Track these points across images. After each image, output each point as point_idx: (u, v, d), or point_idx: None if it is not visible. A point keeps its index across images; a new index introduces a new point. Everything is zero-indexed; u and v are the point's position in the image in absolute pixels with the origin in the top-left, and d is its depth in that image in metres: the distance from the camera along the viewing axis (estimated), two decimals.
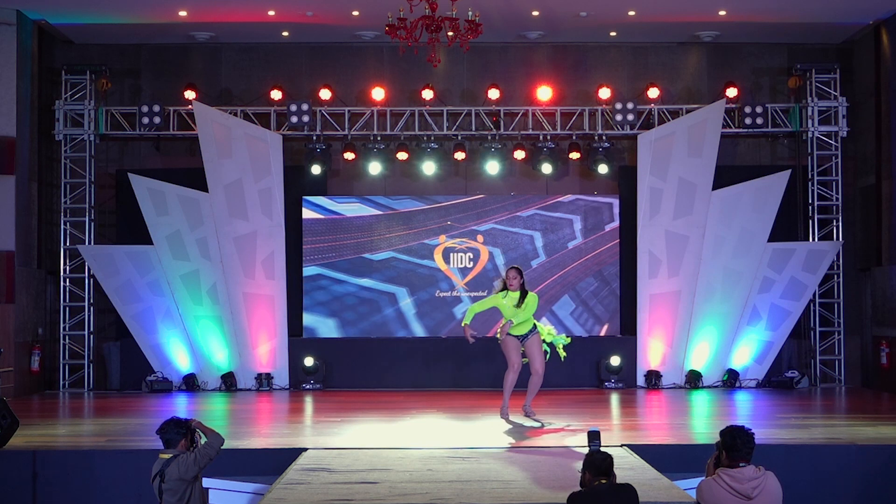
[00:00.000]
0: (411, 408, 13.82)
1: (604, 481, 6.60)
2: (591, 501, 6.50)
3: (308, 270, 16.85)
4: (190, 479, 7.43)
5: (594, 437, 7.45)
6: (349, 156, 16.91)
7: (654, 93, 17.00)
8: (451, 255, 17.03)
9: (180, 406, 14.46)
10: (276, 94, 16.86)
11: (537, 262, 16.94)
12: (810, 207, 17.03)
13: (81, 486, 9.79)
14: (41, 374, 16.40)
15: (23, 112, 15.96)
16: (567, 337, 12.74)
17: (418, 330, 16.89)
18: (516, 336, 12.04)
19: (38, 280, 16.57)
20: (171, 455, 7.48)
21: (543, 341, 12.21)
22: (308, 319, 16.85)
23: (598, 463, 6.68)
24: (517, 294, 11.98)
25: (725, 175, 16.71)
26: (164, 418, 7.84)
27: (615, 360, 16.48)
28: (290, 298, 16.68)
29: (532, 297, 12.05)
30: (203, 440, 7.71)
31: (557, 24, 16.50)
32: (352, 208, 17.04)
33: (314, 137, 16.91)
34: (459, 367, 16.65)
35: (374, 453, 9.73)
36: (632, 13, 15.94)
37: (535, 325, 12.13)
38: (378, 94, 16.93)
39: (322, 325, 16.86)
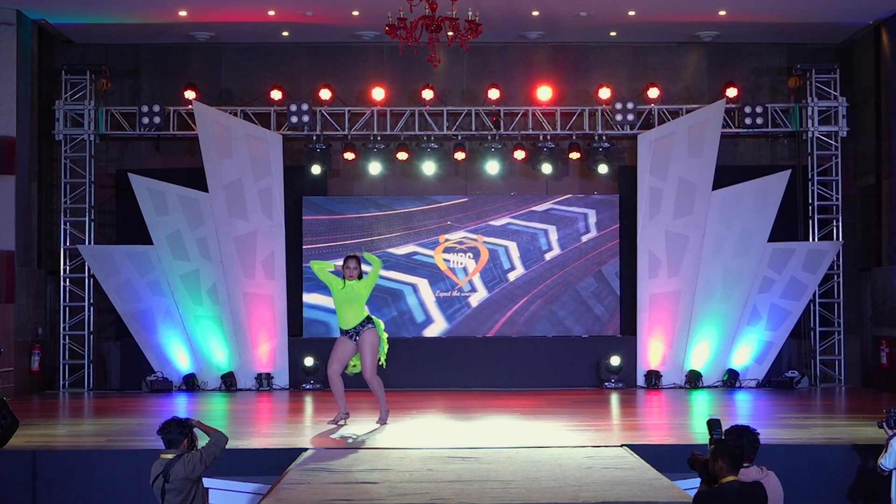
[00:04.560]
0: (411, 408, 13.82)
1: (733, 478, 6.35)
2: (722, 501, 6.23)
3: None
4: (195, 478, 7.43)
5: (716, 425, 7.01)
6: (349, 156, 16.91)
7: (654, 93, 17.00)
8: (451, 254, 17.03)
9: (180, 406, 14.45)
10: (276, 94, 16.86)
11: (539, 261, 16.95)
12: (810, 207, 17.03)
13: (81, 486, 9.79)
14: (41, 374, 16.40)
15: (23, 112, 15.96)
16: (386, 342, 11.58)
17: (420, 330, 16.92)
18: (346, 331, 11.33)
19: (38, 280, 16.57)
20: (173, 455, 7.47)
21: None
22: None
23: (732, 450, 6.36)
24: (353, 283, 11.29)
25: (725, 175, 16.71)
26: (165, 418, 7.84)
27: (615, 360, 16.48)
28: (290, 298, 16.68)
29: (361, 282, 11.28)
30: (200, 440, 7.72)
31: (557, 24, 16.50)
32: (352, 208, 17.05)
33: (314, 137, 16.91)
34: (459, 367, 16.65)
35: (374, 453, 9.73)
36: (632, 13, 15.94)
37: (369, 317, 11.36)
38: (378, 94, 16.93)
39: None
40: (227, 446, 7.79)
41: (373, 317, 11.49)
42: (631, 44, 17.50)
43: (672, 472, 8.92)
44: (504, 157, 17.00)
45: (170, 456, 7.49)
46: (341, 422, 11.64)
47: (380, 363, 11.49)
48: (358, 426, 11.77)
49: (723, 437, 6.74)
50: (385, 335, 11.54)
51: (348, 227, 16.97)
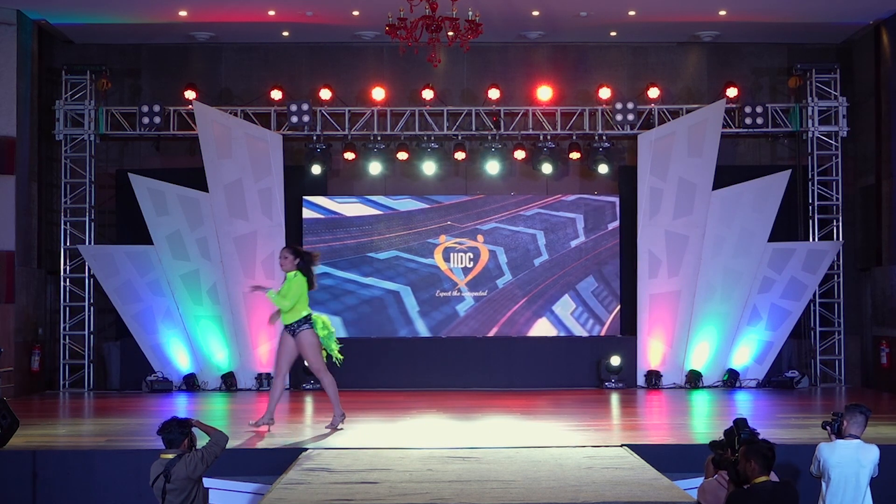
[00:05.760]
0: (411, 408, 13.82)
1: (766, 478, 6.33)
2: (755, 502, 6.22)
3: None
4: (196, 478, 7.43)
5: (744, 424, 7.02)
6: (349, 156, 16.92)
7: (654, 93, 17.00)
8: (452, 254, 17.04)
9: (180, 406, 14.45)
10: (276, 94, 16.86)
11: (539, 260, 16.95)
12: (810, 207, 17.03)
13: (81, 486, 9.78)
14: (41, 374, 16.39)
15: (23, 112, 15.96)
16: (336, 342, 11.31)
17: (422, 329, 16.90)
18: (286, 326, 11.11)
19: (38, 280, 16.57)
20: (174, 455, 7.47)
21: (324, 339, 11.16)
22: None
23: (764, 451, 6.36)
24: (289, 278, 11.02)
25: (725, 175, 16.71)
26: (165, 418, 7.84)
27: (615, 360, 16.47)
28: None
29: (293, 279, 10.97)
30: (200, 439, 7.71)
31: (557, 24, 16.50)
32: (352, 208, 17.04)
33: (314, 137, 16.91)
34: (459, 367, 16.65)
35: (374, 453, 9.72)
36: (632, 13, 15.94)
37: (308, 315, 11.06)
38: (378, 94, 16.93)
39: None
40: (227, 446, 7.79)
41: (314, 314, 11.17)
42: (631, 44, 17.50)
43: (672, 472, 8.93)
44: (504, 157, 17.01)
45: (170, 456, 7.49)
46: (339, 425, 11.50)
47: (334, 360, 11.29)
48: (357, 425, 11.78)
49: (751, 436, 6.74)
50: (325, 332, 11.19)
51: (348, 226, 16.97)
